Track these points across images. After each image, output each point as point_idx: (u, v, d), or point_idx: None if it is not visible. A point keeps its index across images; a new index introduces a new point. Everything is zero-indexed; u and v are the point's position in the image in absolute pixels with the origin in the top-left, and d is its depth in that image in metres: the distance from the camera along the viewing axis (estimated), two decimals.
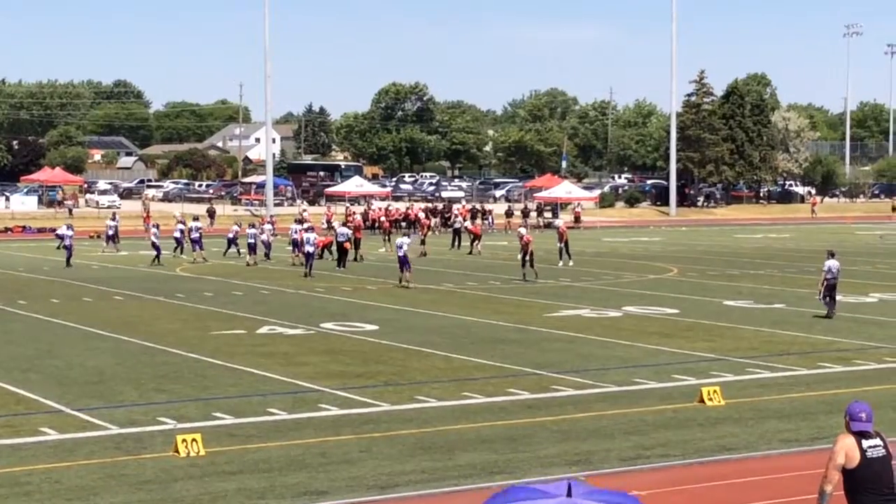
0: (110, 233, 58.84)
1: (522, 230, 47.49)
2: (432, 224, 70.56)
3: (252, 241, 51.51)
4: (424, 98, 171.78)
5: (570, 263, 50.09)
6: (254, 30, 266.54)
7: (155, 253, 51.09)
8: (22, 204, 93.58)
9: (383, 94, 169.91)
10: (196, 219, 57.78)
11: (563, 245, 50.83)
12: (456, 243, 61.95)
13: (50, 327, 31.50)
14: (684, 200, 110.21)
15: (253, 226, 54.21)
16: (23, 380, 23.53)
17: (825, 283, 33.67)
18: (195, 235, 53.36)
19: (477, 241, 58.92)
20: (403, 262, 41.72)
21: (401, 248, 42.07)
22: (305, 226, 52.24)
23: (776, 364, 25.99)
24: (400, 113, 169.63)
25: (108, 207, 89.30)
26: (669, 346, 28.45)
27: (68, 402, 21.31)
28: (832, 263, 33.65)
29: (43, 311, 34.62)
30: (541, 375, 24.39)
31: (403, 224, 72.40)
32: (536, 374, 24.51)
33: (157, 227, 54.64)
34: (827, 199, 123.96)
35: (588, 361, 26.16)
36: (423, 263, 51.95)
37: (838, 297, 34.44)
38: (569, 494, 6.38)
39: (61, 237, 54.22)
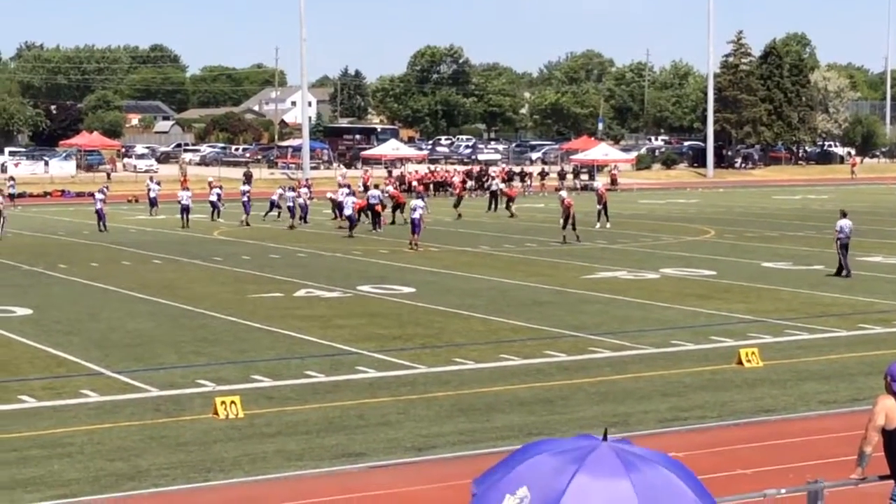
0: (152, 195, 59.26)
1: (563, 193, 47.45)
2: (468, 186, 70.44)
3: (291, 204, 52.11)
4: (460, 61, 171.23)
5: (608, 226, 50.00)
6: None
7: (182, 215, 52.25)
8: (60, 168, 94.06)
9: (419, 56, 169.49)
10: (245, 183, 59.09)
11: (601, 207, 50.82)
12: (492, 206, 61.85)
13: (90, 291, 31.73)
14: (722, 162, 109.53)
15: (292, 189, 54.38)
16: (64, 342, 23.75)
17: (838, 243, 33.84)
18: (244, 199, 54.03)
19: (511, 203, 58.78)
20: (416, 224, 41.96)
21: (415, 210, 42.39)
22: (346, 190, 52.77)
23: (815, 325, 25.91)
24: (436, 76, 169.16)
25: (146, 172, 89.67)
26: (707, 307, 28.38)
27: (109, 365, 21.50)
28: (844, 223, 33.85)
29: (83, 275, 34.86)
30: (578, 337, 24.40)
31: (440, 187, 72.62)
32: (574, 336, 24.52)
33: (188, 189, 55.69)
34: (867, 160, 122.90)
35: (625, 323, 26.14)
36: (459, 226, 52.01)
37: (868, 258, 34.56)
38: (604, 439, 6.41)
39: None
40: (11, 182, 67.96)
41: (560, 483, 6.06)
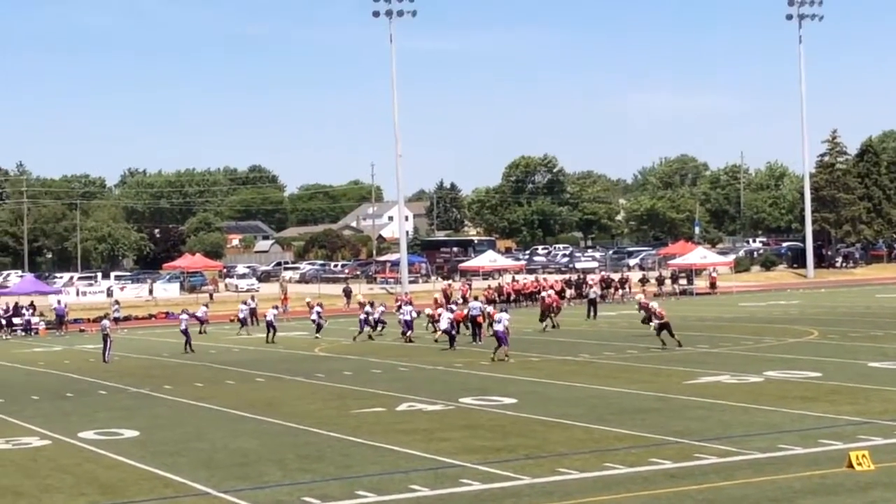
0: (241, 315, 60.33)
1: (640, 296, 47.15)
2: (567, 296, 70.22)
3: (408, 318, 51.99)
4: (554, 170, 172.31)
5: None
6: (383, 111, 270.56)
7: (271, 332, 54.26)
8: (164, 291, 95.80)
9: (513, 167, 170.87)
10: (371, 304, 57.36)
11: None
12: (591, 313, 61.63)
13: (195, 411, 32.10)
14: (822, 262, 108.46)
15: (410, 303, 54.73)
16: (171, 464, 23.99)
17: None
18: (362, 317, 54.26)
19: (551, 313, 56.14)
20: (500, 337, 41.72)
21: (500, 322, 42.09)
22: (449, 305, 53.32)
23: None
24: (530, 185, 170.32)
25: (247, 291, 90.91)
26: (814, 410, 27.93)
27: (215, 485, 21.66)
28: None
29: (188, 395, 35.30)
30: (683, 444, 24.13)
31: (537, 296, 72.65)
32: (678, 443, 24.26)
33: (277, 308, 57.97)
34: None
35: (730, 428, 25.81)
36: (559, 335, 51.87)
37: None
38: None
39: (200, 320, 57.35)
40: (116, 306, 69.38)
41: None
